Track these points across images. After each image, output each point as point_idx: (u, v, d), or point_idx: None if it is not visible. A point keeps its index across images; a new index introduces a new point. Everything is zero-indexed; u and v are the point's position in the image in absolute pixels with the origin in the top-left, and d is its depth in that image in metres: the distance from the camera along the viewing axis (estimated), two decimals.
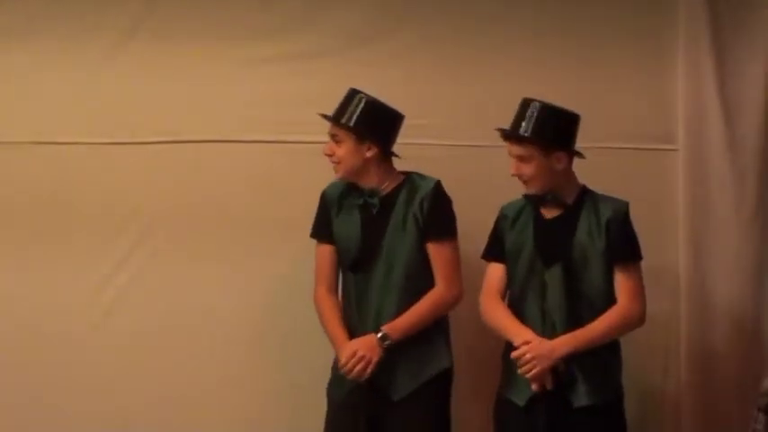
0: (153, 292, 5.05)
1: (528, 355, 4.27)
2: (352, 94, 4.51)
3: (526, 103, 4.37)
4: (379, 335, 4.39)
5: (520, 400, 4.38)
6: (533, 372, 4.26)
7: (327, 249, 4.60)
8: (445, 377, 4.50)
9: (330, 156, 4.51)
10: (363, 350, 4.38)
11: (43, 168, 5.05)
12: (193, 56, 5.03)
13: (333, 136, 4.51)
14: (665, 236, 5.01)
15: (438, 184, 4.51)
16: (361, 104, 4.47)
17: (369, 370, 4.37)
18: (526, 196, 4.42)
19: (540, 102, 4.36)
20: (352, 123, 4.46)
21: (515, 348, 4.31)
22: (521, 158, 4.34)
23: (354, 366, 4.37)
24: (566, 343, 4.29)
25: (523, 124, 4.34)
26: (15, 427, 5.02)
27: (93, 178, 5.05)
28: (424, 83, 5.04)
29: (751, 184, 5.03)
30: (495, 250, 4.51)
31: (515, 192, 4.55)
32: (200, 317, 5.03)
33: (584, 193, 4.44)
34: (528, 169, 4.34)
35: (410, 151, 4.65)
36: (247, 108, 5.04)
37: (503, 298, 4.49)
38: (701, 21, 5.03)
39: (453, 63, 5.06)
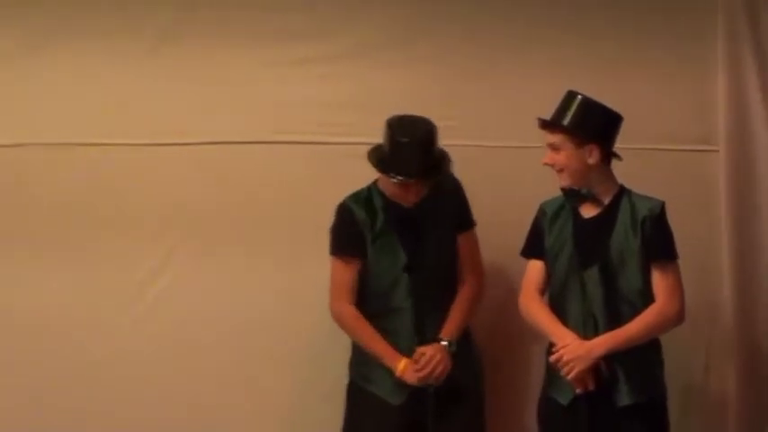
0: (191, 293, 5.08)
1: (566, 358, 4.26)
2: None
3: (569, 95, 4.37)
4: None
5: (563, 399, 4.37)
6: (572, 374, 4.26)
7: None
8: None
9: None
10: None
11: (82, 169, 5.09)
12: (229, 58, 5.07)
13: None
14: (708, 236, 5.01)
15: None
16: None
17: None
18: (563, 190, 4.40)
19: (582, 95, 4.36)
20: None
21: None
22: (552, 147, 4.35)
23: None
24: (603, 343, 4.29)
25: (562, 111, 4.36)
26: (58, 424, 5.07)
27: (131, 179, 5.08)
28: (457, 84, 5.06)
29: None
30: (534, 248, 4.50)
31: (545, 191, 4.58)
32: (237, 318, 5.06)
33: (622, 192, 4.43)
34: (559, 158, 4.34)
35: None
36: (283, 110, 5.07)
37: (542, 295, 4.48)
38: (740, 21, 5.03)
39: (487, 65, 5.07)
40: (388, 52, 5.06)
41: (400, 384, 4.52)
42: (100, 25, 5.07)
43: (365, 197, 4.59)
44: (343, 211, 4.59)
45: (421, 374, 4.46)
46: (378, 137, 4.58)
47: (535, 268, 4.49)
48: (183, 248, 5.08)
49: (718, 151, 5.06)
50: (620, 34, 5.07)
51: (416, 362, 4.47)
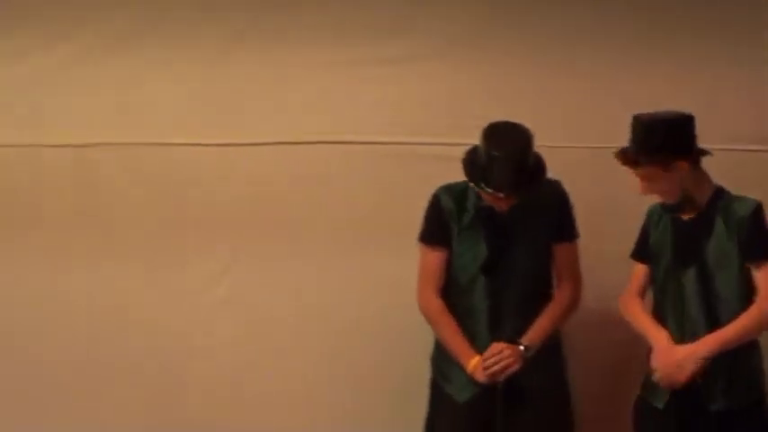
0: (258, 291, 5.12)
1: (661, 372, 4.28)
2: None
3: (635, 122, 4.31)
4: None
5: (659, 401, 4.37)
6: (665, 383, 4.28)
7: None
8: None
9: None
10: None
11: (150, 169, 5.12)
12: (297, 61, 5.10)
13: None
14: None
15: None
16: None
17: None
18: (662, 206, 4.41)
19: (643, 118, 4.31)
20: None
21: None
22: (644, 178, 4.31)
23: None
24: (701, 348, 4.27)
25: (635, 146, 4.29)
26: (121, 419, 5.13)
27: (198, 179, 5.13)
28: (521, 85, 5.08)
29: None
30: (640, 251, 4.50)
31: (607, 192, 4.77)
32: (303, 317, 5.11)
33: (718, 193, 4.40)
34: (656, 186, 4.32)
35: None
36: (350, 110, 5.10)
37: (642, 297, 4.48)
38: None
39: (552, 65, 5.10)
40: (456, 54, 5.07)
41: (470, 382, 4.51)
42: (174, 29, 5.11)
43: (460, 189, 4.55)
44: (433, 199, 4.59)
45: (488, 371, 4.45)
46: (445, 136, 4.69)
47: (639, 271, 4.49)
48: (247, 248, 5.11)
49: None
50: (682, 37, 5.11)
51: (485, 359, 4.48)
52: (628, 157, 4.29)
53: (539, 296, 4.57)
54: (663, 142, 4.26)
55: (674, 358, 4.27)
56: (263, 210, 5.11)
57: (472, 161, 4.43)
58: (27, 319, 5.10)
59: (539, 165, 4.45)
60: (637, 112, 4.40)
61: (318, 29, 5.10)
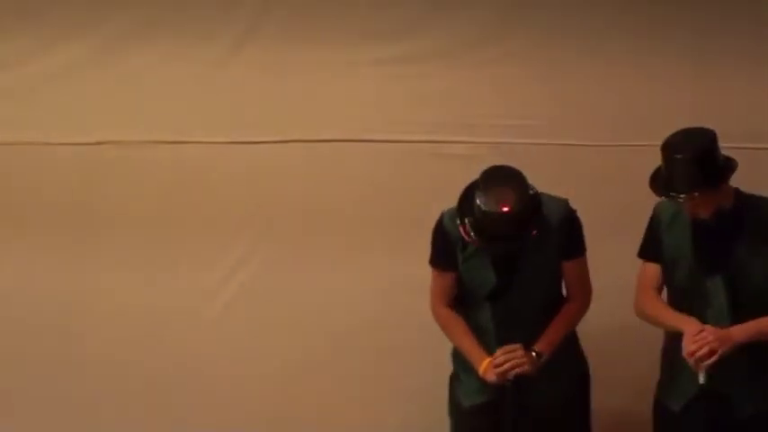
0: (269, 292, 5.21)
1: (710, 338, 4.19)
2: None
3: (673, 158, 4.28)
4: None
5: (676, 404, 4.38)
6: (715, 357, 4.19)
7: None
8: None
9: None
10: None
11: (163, 167, 5.22)
12: (308, 58, 5.20)
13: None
14: None
15: None
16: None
17: None
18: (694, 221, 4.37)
19: (685, 156, 4.27)
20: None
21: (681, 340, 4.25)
22: (698, 203, 4.30)
23: None
24: (744, 330, 4.25)
25: (687, 180, 4.25)
26: (131, 423, 5.24)
27: (211, 177, 5.24)
28: (536, 84, 5.15)
29: None
30: (651, 249, 4.47)
31: (623, 188, 4.84)
32: (315, 318, 5.22)
33: (738, 194, 4.38)
34: (706, 208, 4.29)
35: (520, 150, 4.94)
36: (361, 109, 5.20)
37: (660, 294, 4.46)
38: None
39: (565, 65, 5.17)
40: (472, 53, 5.16)
41: (480, 388, 4.54)
42: (182, 26, 5.22)
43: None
44: (437, 225, 4.60)
45: (498, 369, 4.44)
46: (463, 134, 4.87)
47: (651, 270, 4.45)
48: (262, 246, 5.21)
49: None
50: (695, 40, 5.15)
51: (496, 357, 4.46)
52: (684, 192, 4.25)
53: (549, 312, 4.57)
54: (712, 172, 4.26)
55: (708, 338, 4.22)
56: (274, 207, 5.21)
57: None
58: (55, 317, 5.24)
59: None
60: (641, 110, 4.69)
61: (335, 28, 5.19)
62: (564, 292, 4.64)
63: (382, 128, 5.19)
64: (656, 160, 4.35)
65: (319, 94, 5.19)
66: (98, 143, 5.18)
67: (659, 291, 4.47)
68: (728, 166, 4.32)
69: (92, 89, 5.20)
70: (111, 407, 5.22)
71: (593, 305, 4.61)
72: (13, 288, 5.23)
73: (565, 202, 4.53)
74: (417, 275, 4.77)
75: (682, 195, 4.23)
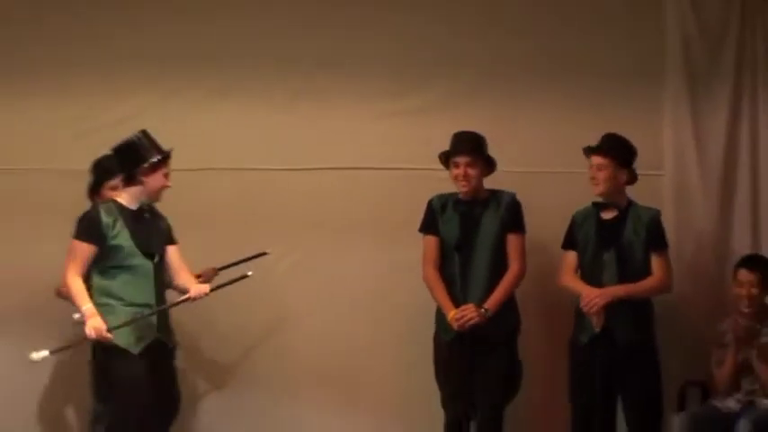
0: (314, 277, 6.83)
1: (591, 295, 5.91)
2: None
3: (605, 136, 6.07)
4: None
5: (585, 337, 6.10)
6: (595, 309, 5.89)
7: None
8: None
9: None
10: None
11: (239, 190, 6.75)
12: (345, 111, 6.79)
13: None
14: None
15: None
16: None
17: None
18: (594, 204, 6.11)
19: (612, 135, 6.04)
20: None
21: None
22: (599, 167, 5.99)
23: None
24: (615, 289, 5.96)
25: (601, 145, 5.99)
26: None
27: (273, 194, 6.77)
28: (505, 126, 6.69)
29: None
30: (569, 242, 6.29)
31: (557, 202, 6.48)
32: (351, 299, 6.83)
33: (630, 201, 6.16)
34: (601, 175, 5.98)
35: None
36: (385, 147, 6.80)
37: (576, 273, 6.22)
38: (682, 94, 6.70)
39: (525, 105, 6.77)
40: (460, 106, 6.71)
41: (450, 327, 6.16)
42: (254, 83, 6.75)
43: (446, 196, 6.31)
44: (428, 203, 6.32)
45: (457, 323, 6.10)
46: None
47: (570, 256, 6.29)
48: (307, 248, 6.76)
49: (663, 175, 6.66)
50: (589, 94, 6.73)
51: (456, 314, 6.12)
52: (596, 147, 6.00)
53: (496, 274, 6.21)
54: (621, 150, 6.10)
55: (597, 293, 6.00)
56: (319, 219, 6.77)
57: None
58: None
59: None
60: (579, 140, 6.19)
61: (352, 89, 6.75)
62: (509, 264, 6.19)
63: (394, 159, 6.81)
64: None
65: (351, 134, 6.74)
66: (199, 169, 6.70)
67: (575, 271, 6.28)
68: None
69: (191, 128, 6.65)
70: None
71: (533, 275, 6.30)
72: None
73: (513, 194, 6.32)
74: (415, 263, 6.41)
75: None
